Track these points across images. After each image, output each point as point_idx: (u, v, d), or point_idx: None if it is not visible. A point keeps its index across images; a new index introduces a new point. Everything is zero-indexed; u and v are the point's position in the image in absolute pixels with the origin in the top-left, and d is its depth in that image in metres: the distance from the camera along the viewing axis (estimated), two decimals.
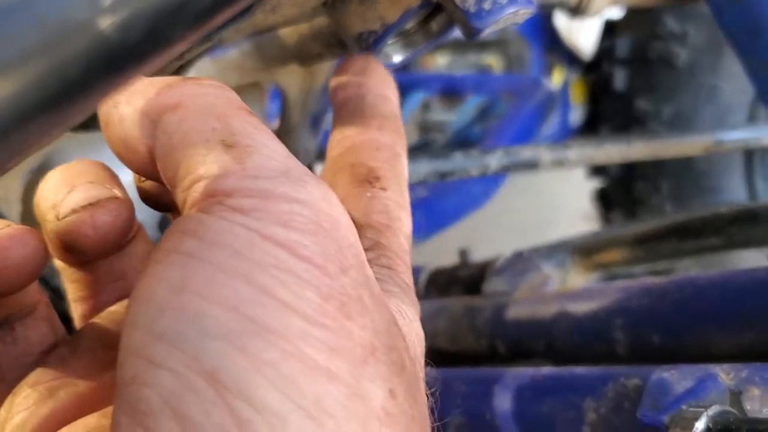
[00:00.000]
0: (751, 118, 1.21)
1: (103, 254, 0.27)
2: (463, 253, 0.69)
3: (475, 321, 0.57)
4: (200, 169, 0.21)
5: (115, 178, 0.26)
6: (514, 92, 1.31)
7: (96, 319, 0.28)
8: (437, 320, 0.59)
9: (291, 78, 0.65)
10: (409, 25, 0.39)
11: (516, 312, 0.54)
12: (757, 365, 0.34)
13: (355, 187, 0.28)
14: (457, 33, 0.37)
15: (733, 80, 1.17)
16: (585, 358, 0.49)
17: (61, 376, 0.26)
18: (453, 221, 1.11)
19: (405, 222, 0.28)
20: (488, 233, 1.95)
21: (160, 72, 0.29)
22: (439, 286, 0.69)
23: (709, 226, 0.57)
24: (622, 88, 1.31)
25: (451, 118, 1.43)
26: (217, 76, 0.57)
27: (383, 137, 0.29)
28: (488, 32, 0.35)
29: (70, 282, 0.29)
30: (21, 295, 0.26)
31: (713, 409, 0.30)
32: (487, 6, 0.35)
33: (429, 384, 0.24)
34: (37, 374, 0.26)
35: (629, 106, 1.29)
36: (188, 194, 0.21)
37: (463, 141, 1.32)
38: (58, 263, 0.28)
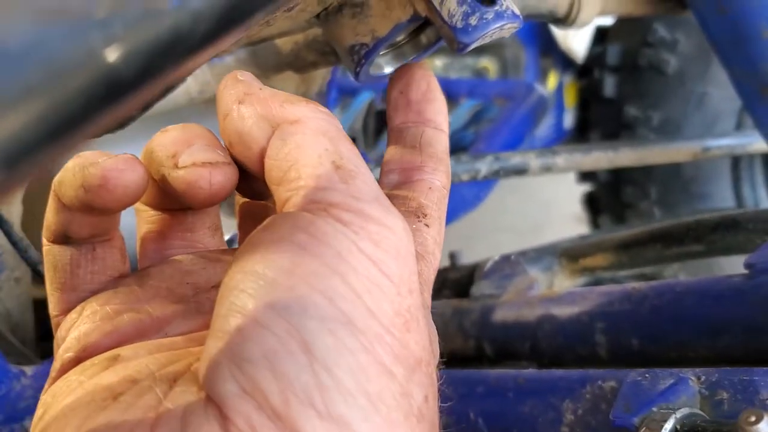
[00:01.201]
0: (739, 126, 1.22)
1: (195, 207, 0.31)
2: (453, 256, 0.71)
3: (463, 323, 0.58)
4: (311, 179, 0.25)
5: (223, 147, 0.30)
6: (506, 97, 1.32)
7: (163, 263, 0.32)
8: None
9: (286, 84, 0.66)
10: (400, 37, 0.40)
11: (503, 315, 0.56)
12: (728, 370, 0.35)
13: (405, 216, 0.31)
14: None
15: (722, 88, 1.18)
16: (568, 360, 0.51)
17: (127, 302, 0.30)
18: (445, 223, 1.12)
19: (437, 257, 0.32)
20: (481, 234, 1.96)
21: None
22: None
23: (692, 233, 0.58)
24: (612, 94, 1.32)
25: None
26: (214, 82, 0.59)
27: (436, 180, 0.33)
28: (474, 46, 0.37)
29: (146, 223, 0.33)
30: (109, 220, 0.30)
31: (681, 412, 0.32)
32: (473, 21, 0.36)
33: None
34: (107, 296, 0.30)
35: (619, 112, 1.30)
36: (294, 194, 0.25)
37: (456, 144, 1.33)
38: (138, 205, 0.33)
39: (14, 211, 0.58)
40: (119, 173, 0.27)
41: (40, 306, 0.63)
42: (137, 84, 0.14)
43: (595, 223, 1.46)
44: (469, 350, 0.57)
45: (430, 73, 0.36)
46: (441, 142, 0.35)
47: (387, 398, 0.22)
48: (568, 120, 1.61)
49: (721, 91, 1.19)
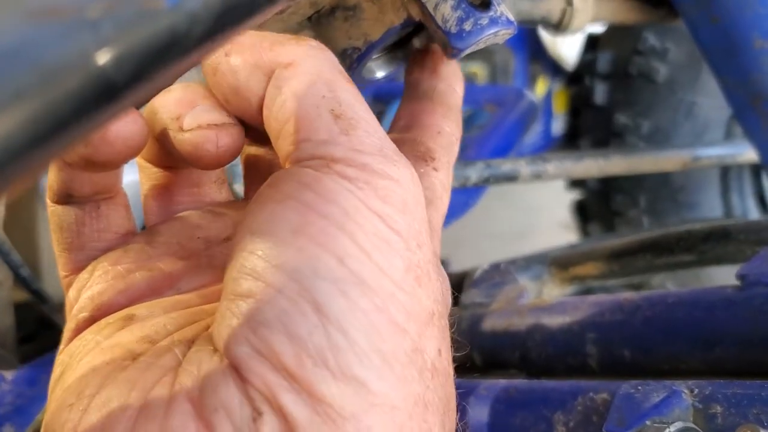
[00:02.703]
0: (728, 135, 1.23)
1: (202, 169, 0.31)
2: (442, 264, 0.70)
3: (453, 331, 0.57)
4: (310, 132, 0.24)
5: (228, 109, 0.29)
6: (497, 103, 1.32)
7: (172, 220, 0.32)
8: None
9: None
10: (392, 42, 0.40)
11: (492, 323, 0.55)
12: (721, 383, 0.35)
13: (412, 160, 0.31)
14: None
15: (711, 97, 1.19)
16: (558, 371, 0.50)
17: (138, 260, 0.30)
18: None
19: (444, 201, 0.32)
20: (467, 240, 1.96)
21: None
22: None
23: (682, 242, 0.58)
24: (602, 101, 1.33)
25: None
26: (202, 80, 0.58)
27: (446, 125, 0.33)
28: (468, 52, 0.36)
29: (150, 180, 0.32)
30: (111, 176, 0.29)
31: (676, 426, 0.31)
32: (467, 27, 0.35)
33: None
34: (118, 254, 0.30)
35: (609, 119, 1.31)
36: (294, 149, 0.24)
37: None
38: (140, 161, 0.32)
39: None
40: (119, 126, 0.26)
41: (20, 310, 0.62)
42: (129, 87, 0.14)
43: (584, 230, 1.46)
44: (458, 359, 0.56)
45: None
46: (454, 97, 0.34)
47: (400, 356, 0.22)
48: (557, 126, 1.62)
49: (710, 101, 1.20)
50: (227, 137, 0.28)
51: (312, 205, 0.23)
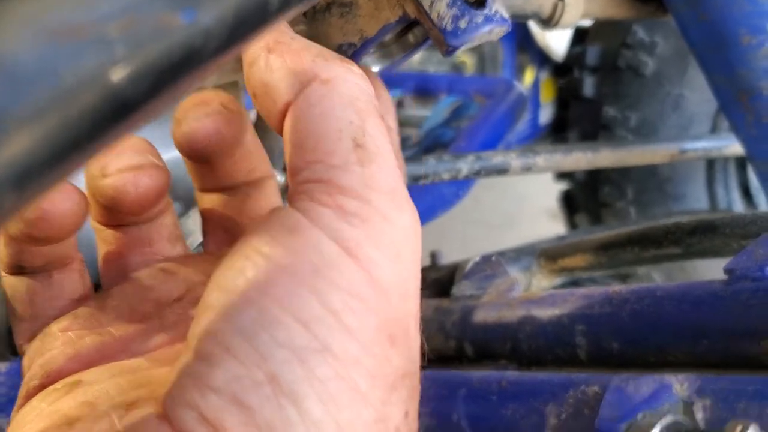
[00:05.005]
0: (714, 129, 1.24)
1: (136, 216, 0.31)
2: (434, 256, 0.71)
3: (444, 323, 0.58)
4: (325, 154, 0.23)
5: (156, 152, 0.29)
6: (486, 94, 1.32)
7: (125, 282, 0.32)
8: None
9: None
10: (387, 37, 0.40)
11: (483, 315, 0.56)
12: (710, 377, 0.36)
13: None
14: None
15: (698, 91, 1.20)
16: (548, 362, 0.51)
17: (88, 325, 0.29)
18: (424, 222, 1.12)
19: None
20: (454, 228, 1.97)
21: None
22: None
23: (670, 236, 0.59)
24: (591, 94, 1.34)
25: (426, 114, 1.44)
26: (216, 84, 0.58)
27: None
28: (463, 49, 0.37)
29: (103, 242, 0.32)
30: (61, 246, 0.29)
31: (666, 420, 0.32)
32: (462, 24, 0.36)
33: None
34: (68, 320, 0.30)
35: (597, 112, 1.31)
36: (305, 167, 0.23)
37: (436, 140, 1.33)
38: (94, 224, 0.32)
39: None
40: (55, 204, 0.26)
41: None
42: (144, 103, 0.14)
43: (571, 221, 1.47)
44: (450, 350, 0.57)
45: (375, 77, 0.36)
46: (391, 136, 0.34)
47: (360, 427, 0.21)
48: (544, 115, 1.62)
49: (697, 95, 1.21)
50: (146, 178, 0.28)
51: (280, 263, 0.22)
